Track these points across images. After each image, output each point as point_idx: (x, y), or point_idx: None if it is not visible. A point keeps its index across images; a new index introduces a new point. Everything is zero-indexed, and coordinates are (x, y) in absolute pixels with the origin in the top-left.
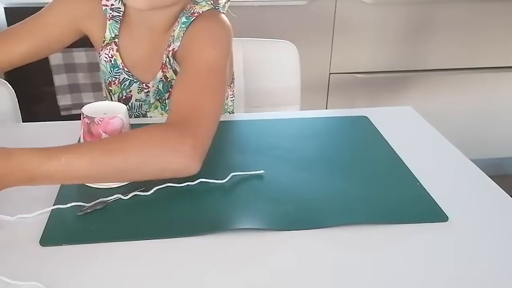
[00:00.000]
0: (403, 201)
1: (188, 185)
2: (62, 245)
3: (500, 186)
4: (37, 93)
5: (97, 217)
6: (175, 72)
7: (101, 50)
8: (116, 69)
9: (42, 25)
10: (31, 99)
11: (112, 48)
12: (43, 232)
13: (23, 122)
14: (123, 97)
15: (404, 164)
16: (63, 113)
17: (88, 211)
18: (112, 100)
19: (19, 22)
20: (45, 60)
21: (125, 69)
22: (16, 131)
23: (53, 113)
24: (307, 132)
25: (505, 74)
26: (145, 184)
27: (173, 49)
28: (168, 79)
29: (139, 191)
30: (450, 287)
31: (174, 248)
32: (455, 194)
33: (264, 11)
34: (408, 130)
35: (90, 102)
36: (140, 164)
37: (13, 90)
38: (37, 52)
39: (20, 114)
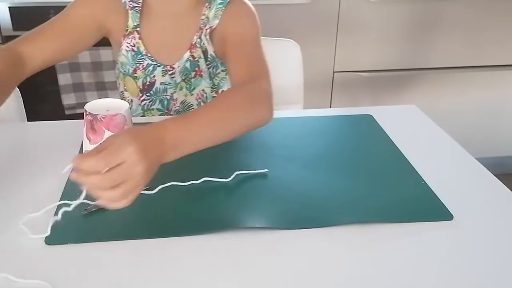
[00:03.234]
0: (408, 199)
1: (192, 184)
2: (67, 244)
3: (505, 185)
4: (42, 92)
5: (102, 216)
6: (203, 52)
7: (123, 40)
8: (140, 56)
9: (67, 25)
10: (35, 98)
11: (134, 37)
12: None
13: (27, 121)
14: (147, 83)
15: (409, 162)
16: (67, 112)
17: (93, 210)
18: (136, 86)
19: (43, 23)
20: None
21: (148, 55)
22: (20, 130)
23: (57, 112)
24: (311, 131)
25: (509, 72)
26: (149, 183)
27: (211, 27)
28: (196, 59)
29: (143, 190)
30: (454, 286)
31: (178, 246)
32: (460, 192)
33: (268, 9)
34: (413, 128)
35: None
36: (243, 122)
37: (18, 89)
38: (66, 52)
39: (25, 113)
